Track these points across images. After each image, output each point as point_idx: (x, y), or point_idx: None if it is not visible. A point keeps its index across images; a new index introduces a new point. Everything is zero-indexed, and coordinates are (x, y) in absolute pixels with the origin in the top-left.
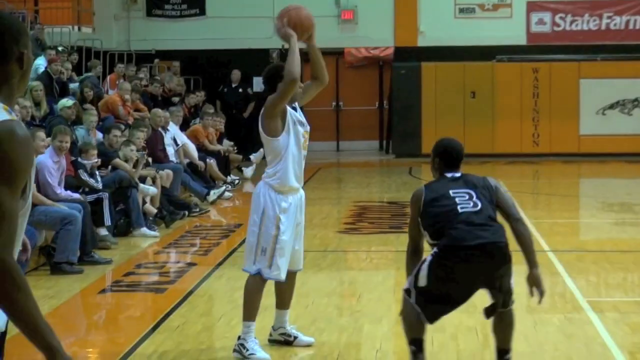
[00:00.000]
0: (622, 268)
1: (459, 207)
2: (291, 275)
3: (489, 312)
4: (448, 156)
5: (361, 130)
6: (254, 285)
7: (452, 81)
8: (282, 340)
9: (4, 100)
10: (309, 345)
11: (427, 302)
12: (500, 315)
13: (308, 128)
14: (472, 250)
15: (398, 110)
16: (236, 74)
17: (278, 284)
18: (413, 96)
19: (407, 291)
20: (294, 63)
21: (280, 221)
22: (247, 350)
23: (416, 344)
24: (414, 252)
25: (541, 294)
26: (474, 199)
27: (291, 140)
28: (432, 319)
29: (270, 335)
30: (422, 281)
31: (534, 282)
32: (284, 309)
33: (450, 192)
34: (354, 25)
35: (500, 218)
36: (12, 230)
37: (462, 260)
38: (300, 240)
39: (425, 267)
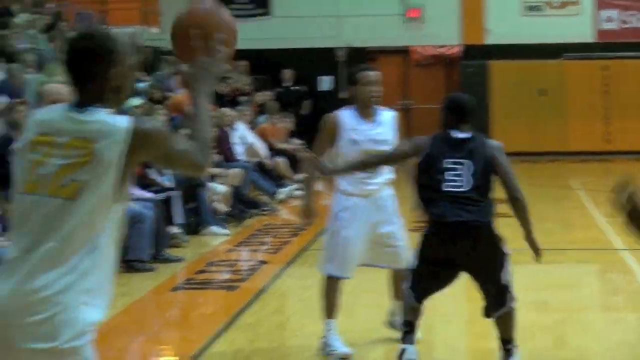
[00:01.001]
0: None
1: (443, 184)
2: (393, 272)
3: (486, 312)
4: (459, 110)
5: (430, 129)
6: (322, 283)
7: (521, 79)
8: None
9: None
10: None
11: (416, 282)
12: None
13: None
14: (450, 228)
15: None
16: (287, 73)
17: (392, 276)
18: (481, 94)
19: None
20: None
21: (339, 217)
22: (329, 347)
23: (408, 326)
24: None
25: (538, 252)
26: (465, 174)
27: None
28: (419, 298)
29: (390, 322)
30: (414, 262)
31: (530, 242)
32: (397, 299)
33: (444, 161)
34: (421, 23)
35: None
36: None
37: (442, 237)
38: (390, 238)
39: (416, 248)
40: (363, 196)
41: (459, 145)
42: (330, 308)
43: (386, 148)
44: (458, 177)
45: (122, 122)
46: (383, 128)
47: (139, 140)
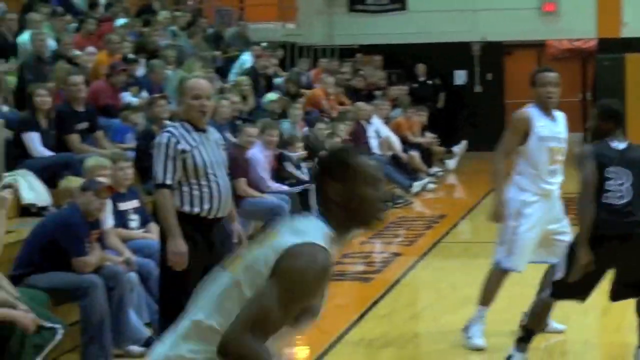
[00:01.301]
0: None
1: (603, 195)
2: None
3: (616, 295)
4: (615, 117)
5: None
6: (492, 274)
7: None
8: None
9: (333, 232)
10: (560, 332)
11: (565, 294)
12: None
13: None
14: (608, 241)
15: None
16: (421, 68)
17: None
18: (617, 88)
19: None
20: None
21: (522, 213)
22: (469, 332)
23: (528, 334)
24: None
25: None
26: (625, 184)
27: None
28: (583, 299)
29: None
30: (559, 274)
31: None
32: None
33: (605, 171)
34: (556, 17)
35: None
36: (264, 324)
37: (599, 249)
38: (560, 235)
39: (561, 258)
40: (543, 195)
41: (618, 156)
42: (489, 297)
43: (564, 146)
44: (618, 188)
45: (291, 240)
46: (561, 126)
47: (278, 264)
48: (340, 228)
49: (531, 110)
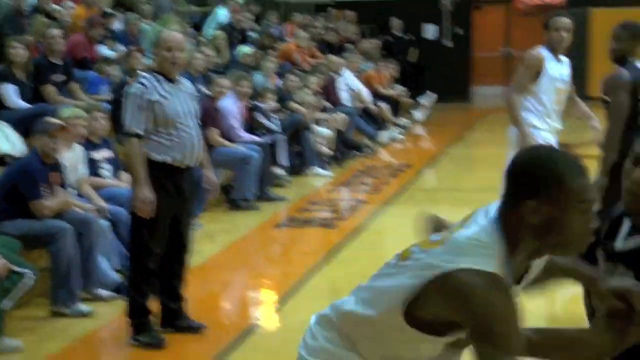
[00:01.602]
0: None
1: None
2: None
3: None
4: None
5: None
6: None
7: None
8: None
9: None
10: None
11: None
12: None
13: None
14: None
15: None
16: (395, 22)
17: None
18: (581, 43)
19: None
20: None
21: None
22: None
23: None
24: None
25: None
26: None
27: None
28: None
29: None
30: None
31: None
32: None
33: None
34: None
35: None
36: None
37: None
38: None
39: None
40: (551, 132)
41: None
42: None
43: (568, 89)
44: None
45: (453, 262)
46: (567, 69)
47: (438, 287)
48: (523, 251)
49: (542, 51)
